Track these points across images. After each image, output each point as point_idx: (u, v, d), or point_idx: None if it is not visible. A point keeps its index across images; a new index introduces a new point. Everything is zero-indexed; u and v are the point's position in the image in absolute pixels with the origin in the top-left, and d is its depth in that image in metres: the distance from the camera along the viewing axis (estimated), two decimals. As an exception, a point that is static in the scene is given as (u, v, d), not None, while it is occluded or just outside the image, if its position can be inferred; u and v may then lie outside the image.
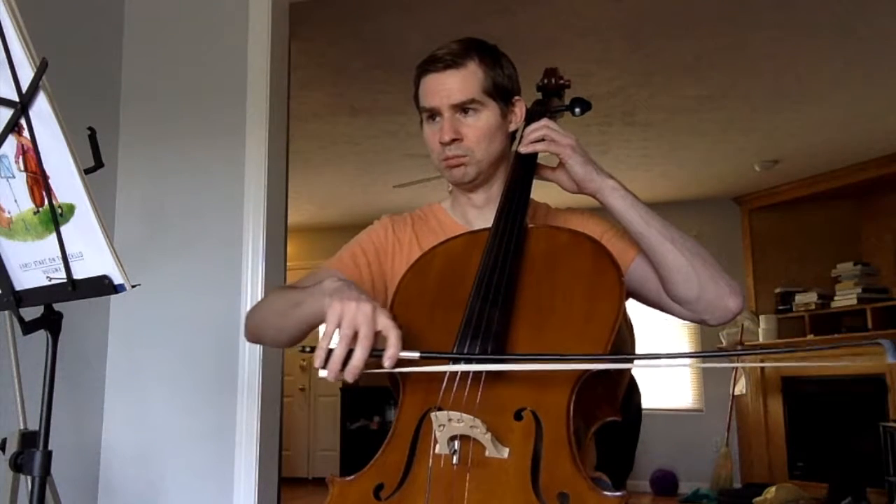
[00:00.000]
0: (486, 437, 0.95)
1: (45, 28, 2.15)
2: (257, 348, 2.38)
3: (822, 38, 3.65)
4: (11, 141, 1.07)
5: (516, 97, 1.36)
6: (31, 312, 1.16)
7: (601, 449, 1.24)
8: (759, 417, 6.15)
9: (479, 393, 1.02)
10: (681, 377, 6.68)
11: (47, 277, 1.11)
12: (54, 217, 1.05)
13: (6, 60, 1.00)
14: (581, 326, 1.08)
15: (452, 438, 0.96)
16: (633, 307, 1.23)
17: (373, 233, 1.41)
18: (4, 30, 0.99)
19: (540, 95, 1.50)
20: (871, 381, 5.36)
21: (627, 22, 3.51)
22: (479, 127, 1.30)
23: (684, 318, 1.27)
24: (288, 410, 6.29)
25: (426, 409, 1.04)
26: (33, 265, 1.13)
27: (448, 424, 0.95)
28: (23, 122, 1.03)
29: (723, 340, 6.34)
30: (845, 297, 5.67)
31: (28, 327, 1.14)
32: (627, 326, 1.18)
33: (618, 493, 0.92)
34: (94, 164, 1.41)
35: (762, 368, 6.11)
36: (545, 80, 1.52)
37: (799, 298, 6.03)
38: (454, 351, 1.06)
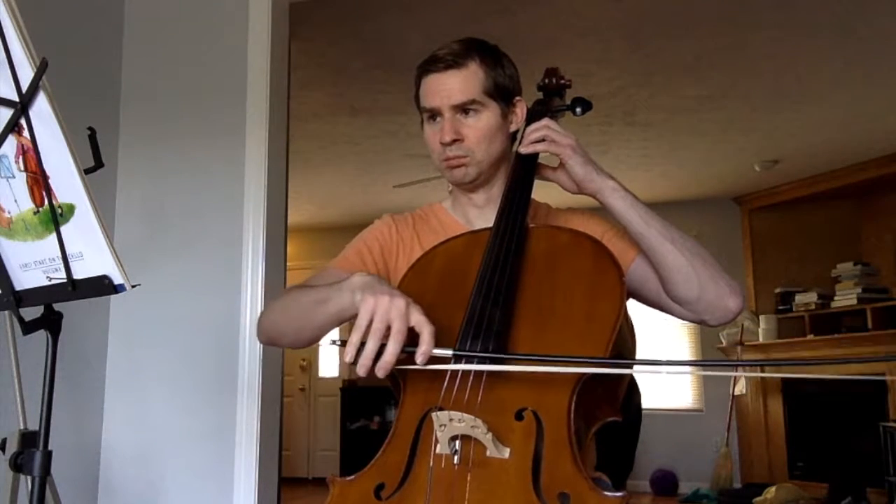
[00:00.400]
0: (486, 437, 0.95)
1: (45, 28, 2.15)
2: (257, 348, 2.38)
3: (822, 38, 3.65)
4: (11, 141, 1.07)
5: (517, 97, 1.36)
6: (31, 312, 1.16)
7: (601, 449, 1.24)
8: (759, 417, 6.15)
9: (480, 393, 1.02)
10: (681, 378, 6.68)
11: (47, 277, 1.11)
12: (54, 217, 1.04)
13: (6, 60, 1.00)
14: (582, 326, 1.07)
15: (453, 438, 0.96)
16: (633, 307, 1.23)
17: (376, 231, 1.41)
18: (4, 30, 0.99)
19: (541, 95, 1.50)
20: (871, 382, 5.36)
21: (627, 22, 3.51)
22: (480, 127, 1.30)
23: (684, 319, 1.27)
24: (288, 410, 6.29)
25: (427, 408, 1.04)
26: (33, 265, 1.13)
27: (449, 424, 0.95)
28: (23, 122, 1.03)
29: (723, 340, 6.34)
30: (845, 297, 5.67)
31: (28, 327, 1.14)
32: (628, 326, 1.18)
33: (618, 493, 0.92)
34: (94, 164, 1.41)
35: (762, 369, 6.11)
36: (546, 80, 1.51)
37: (799, 298, 6.03)
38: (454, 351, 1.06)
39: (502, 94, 1.32)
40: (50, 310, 1.16)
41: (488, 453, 0.96)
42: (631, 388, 1.31)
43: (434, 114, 1.31)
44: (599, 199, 1.25)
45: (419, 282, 1.23)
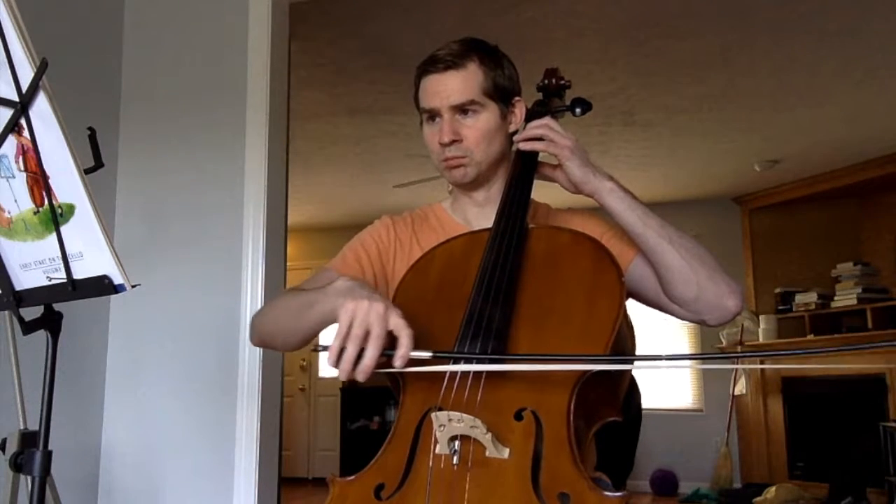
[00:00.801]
0: (486, 438, 0.95)
1: (45, 28, 2.16)
2: (257, 349, 2.38)
3: (822, 38, 3.66)
4: (11, 141, 1.07)
5: (516, 98, 1.36)
6: (31, 312, 1.16)
7: (601, 449, 1.24)
8: (759, 417, 6.15)
9: (480, 393, 1.02)
10: (681, 377, 6.68)
11: (47, 277, 1.11)
12: (54, 217, 1.04)
13: (6, 60, 1.00)
14: (581, 326, 1.08)
15: (453, 438, 0.96)
16: (633, 308, 1.23)
17: (374, 232, 1.41)
18: (4, 30, 0.99)
19: (540, 96, 1.50)
20: (871, 381, 5.36)
21: (627, 22, 3.51)
22: (479, 128, 1.30)
23: (684, 319, 1.27)
24: (288, 410, 6.29)
25: (427, 409, 1.04)
26: (33, 265, 1.13)
27: (448, 424, 0.95)
28: (23, 122, 1.03)
29: (723, 340, 6.34)
30: (845, 297, 5.67)
31: (28, 327, 1.14)
32: (628, 326, 1.18)
33: (618, 493, 0.93)
34: (94, 164, 1.41)
35: (762, 369, 6.11)
36: (545, 81, 1.51)
37: (799, 298, 6.03)
38: (455, 350, 1.06)
39: (501, 94, 1.32)
40: (50, 310, 1.16)
41: (488, 453, 0.96)
42: (631, 388, 1.31)
43: (433, 114, 1.31)
44: (597, 199, 1.25)
45: (419, 282, 1.23)
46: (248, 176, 2.49)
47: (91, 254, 1.04)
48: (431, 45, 1.36)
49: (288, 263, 2.77)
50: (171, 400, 2.47)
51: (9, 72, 1.00)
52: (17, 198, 1.11)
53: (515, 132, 1.37)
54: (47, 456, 1.14)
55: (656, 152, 5.42)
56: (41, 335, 1.16)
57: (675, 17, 3.45)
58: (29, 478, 1.16)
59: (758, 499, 5.27)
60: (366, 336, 0.97)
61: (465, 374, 1.04)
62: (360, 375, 0.97)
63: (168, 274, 2.49)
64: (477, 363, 1.03)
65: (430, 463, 0.98)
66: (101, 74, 2.61)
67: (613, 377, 1.12)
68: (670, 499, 6.15)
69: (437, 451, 0.98)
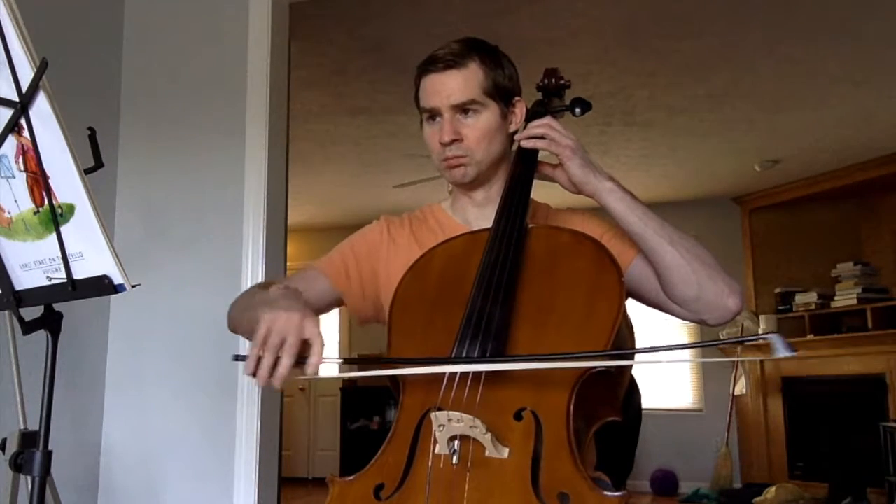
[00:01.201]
0: (485, 437, 0.95)
1: (45, 28, 2.15)
2: (257, 348, 2.37)
3: (822, 38, 3.65)
4: (11, 141, 1.07)
5: (517, 98, 1.36)
6: (31, 312, 1.16)
7: (601, 449, 1.24)
8: (759, 417, 6.15)
9: (479, 393, 1.02)
10: (681, 377, 6.68)
11: (47, 277, 1.11)
12: (54, 217, 1.05)
13: (6, 60, 1.00)
14: (581, 326, 1.08)
15: (452, 438, 0.96)
16: (633, 308, 1.23)
17: (367, 234, 1.42)
18: (4, 30, 0.99)
19: (540, 96, 1.50)
20: (871, 381, 5.36)
21: (627, 22, 3.51)
22: (479, 128, 1.30)
23: (684, 319, 1.27)
24: (288, 410, 6.28)
25: (426, 409, 1.04)
26: (33, 265, 1.13)
27: (448, 424, 0.95)
28: (23, 122, 1.03)
29: (723, 340, 6.33)
30: (845, 297, 5.67)
31: (28, 327, 1.14)
32: (627, 327, 1.18)
33: (618, 493, 0.93)
34: (94, 164, 1.41)
35: (762, 369, 6.11)
36: (545, 81, 1.51)
37: (799, 298, 6.03)
38: (454, 350, 1.07)
39: (502, 94, 1.32)
40: (50, 310, 1.16)
41: (487, 453, 0.96)
42: (631, 388, 1.31)
43: (433, 114, 1.31)
44: (597, 199, 1.25)
45: (419, 282, 1.23)
46: (248, 176, 2.49)
47: (91, 254, 1.04)
48: (432, 45, 1.36)
49: (288, 263, 2.77)
50: (171, 400, 2.47)
51: (9, 72, 1.00)
52: (17, 198, 1.11)
53: (515, 132, 1.37)
54: (47, 456, 1.14)
55: (656, 152, 5.42)
56: (41, 335, 1.16)
57: (675, 17, 3.45)
58: (29, 478, 1.16)
59: (758, 499, 5.27)
60: (281, 345, 0.99)
61: (464, 374, 1.04)
62: (277, 382, 0.99)
63: (168, 274, 2.49)
64: (453, 365, 1.04)
65: (430, 463, 0.98)
66: (101, 74, 2.61)
67: (613, 377, 1.11)
68: (670, 499, 6.15)
69: (436, 451, 0.98)
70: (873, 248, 5.90)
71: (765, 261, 6.38)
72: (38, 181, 1.05)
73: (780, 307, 6.18)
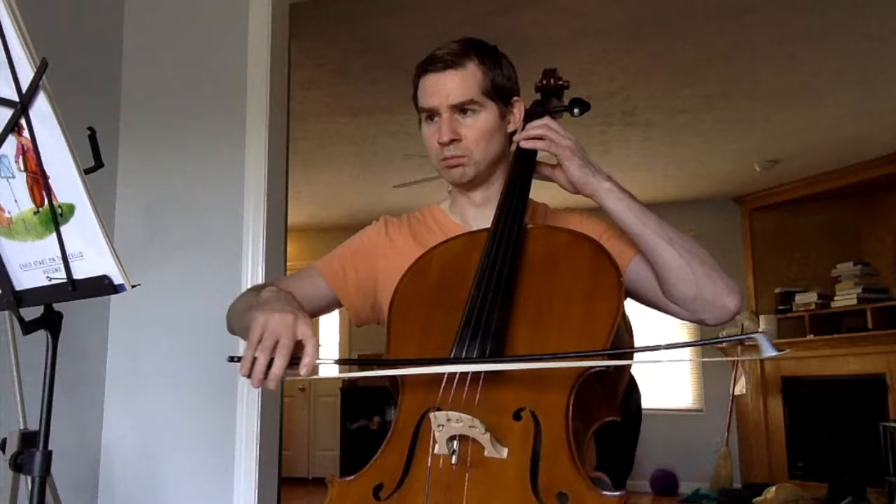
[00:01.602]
0: (484, 437, 0.95)
1: (45, 28, 2.16)
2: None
3: (822, 38, 3.65)
4: (11, 141, 1.07)
5: (515, 98, 1.36)
6: (31, 312, 1.16)
7: (601, 449, 1.24)
8: (759, 417, 6.15)
9: (478, 393, 1.03)
10: (681, 377, 6.68)
11: (47, 277, 1.11)
12: (54, 217, 1.05)
13: (6, 60, 1.00)
14: (580, 326, 1.08)
15: (451, 438, 0.96)
16: (632, 308, 1.23)
17: (366, 234, 1.43)
18: (4, 30, 0.99)
19: (539, 96, 1.50)
20: (871, 381, 5.36)
21: (627, 22, 3.51)
22: (478, 128, 1.30)
23: (683, 318, 1.27)
24: (288, 410, 6.29)
25: (425, 409, 1.04)
26: (33, 265, 1.13)
27: (447, 424, 0.95)
28: (23, 122, 1.03)
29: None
30: (845, 297, 5.66)
31: (28, 327, 1.14)
32: (626, 327, 1.18)
33: (618, 493, 0.93)
34: (94, 164, 1.41)
35: (762, 368, 6.11)
36: (544, 81, 1.51)
37: (799, 298, 6.03)
38: (453, 350, 1.07)
39: (500, 94, 1.32)
40: (50, 310, 1.16)
41: (486, 453, 0.96)
42: (630, 388, 1.32)
43: (432, 114, 1.31)
44: (596, 200, 1.25)
45: (418, 282, 1.23)
46: (248, 176, 2.49)
47: (91, 254, 1.05)
48: (431, 45, 1.36)
49: (288, 263, 2.77)
50: (171, 400, 2.47)
51: (9, 72, 1.00)
52: (17, 198, 1.11)
53: (514, 132, 1.37)
54: (47, 456, 1.14)
55: (656, 152, 5.42)
56: (41, 335, 1.16)
57: (675, 17, 3.45)
58: (29, 478, 1.16)
59: (758, 499, 5.27)
60: (275, 346, 1.00)
61: (463, 374, 1.04)
62: (271, 384, 1.01)
63: (168, 274, 2.49)
64: (449, 365, 1.05)
65: (429, 463, 0.98)
66: (101, 74, 2.61)
67: (612, 377, 1.12)
68: (670, 499, 6.15)
69: (435, 451, 0.98)
70: (873, 248, 5.90)
71: (765, 261, 6.38)
72: (38, 181, 1.05)
73: (780, 307, 6.18)
